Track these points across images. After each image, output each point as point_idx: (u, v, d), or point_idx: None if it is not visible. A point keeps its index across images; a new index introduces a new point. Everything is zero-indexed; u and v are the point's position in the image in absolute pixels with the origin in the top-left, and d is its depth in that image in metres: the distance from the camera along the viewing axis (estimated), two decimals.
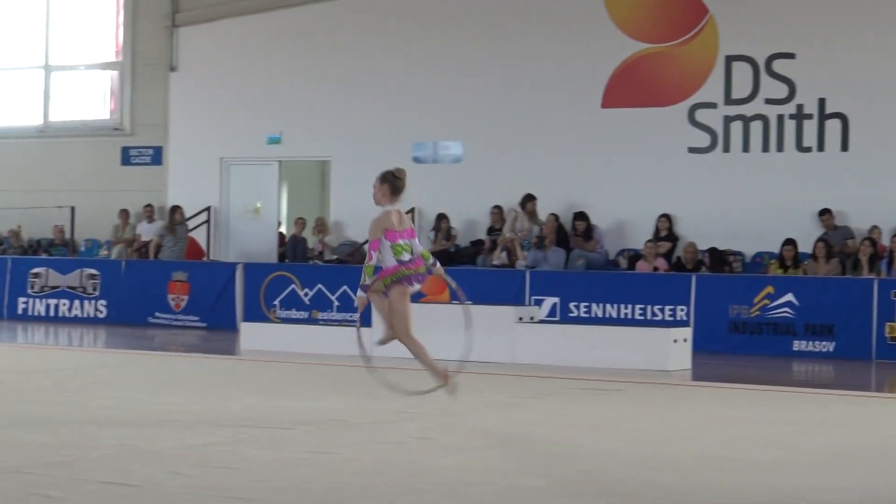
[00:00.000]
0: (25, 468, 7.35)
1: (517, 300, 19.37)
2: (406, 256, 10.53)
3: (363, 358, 10.81)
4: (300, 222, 24.59)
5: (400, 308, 10.59)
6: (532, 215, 21.97)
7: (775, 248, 20.50)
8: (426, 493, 7.00)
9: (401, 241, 10.50)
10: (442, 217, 22.90)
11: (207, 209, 25.34)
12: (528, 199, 22.16)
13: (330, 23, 24.70)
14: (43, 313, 23.38)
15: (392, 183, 10.53)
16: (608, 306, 19.49)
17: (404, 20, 24.24)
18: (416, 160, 23.79)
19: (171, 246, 23.86)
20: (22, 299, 23.65)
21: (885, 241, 20.10)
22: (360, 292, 10.56)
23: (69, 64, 27.35)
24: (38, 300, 23.47)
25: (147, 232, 25.20)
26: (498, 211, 22.62)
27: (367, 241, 21.71)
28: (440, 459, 8.12)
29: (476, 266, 21.92)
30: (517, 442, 9.09)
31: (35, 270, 23.67)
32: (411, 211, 23.50)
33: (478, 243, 22.70)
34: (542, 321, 17.77)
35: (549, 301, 19.60)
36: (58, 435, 8.78)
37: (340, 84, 24.51)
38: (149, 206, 25.46)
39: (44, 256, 24.98)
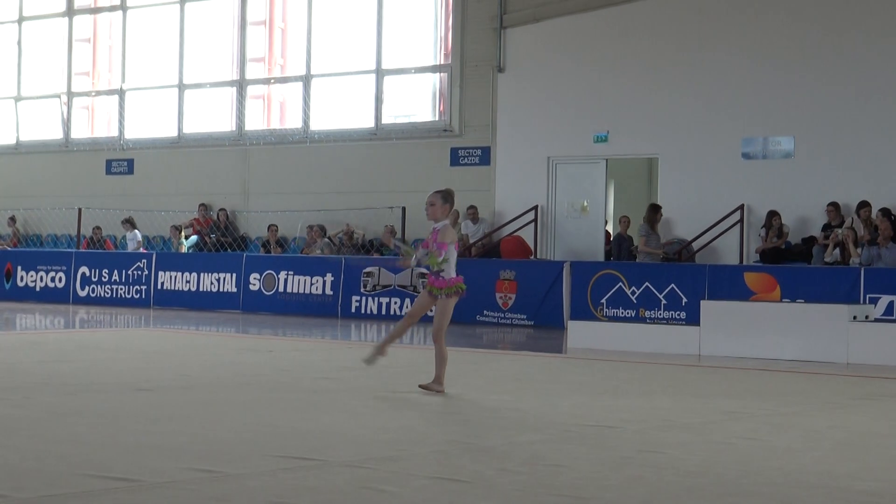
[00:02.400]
0: (357, 462, 7.52)
1: (851, 298, 18.82)
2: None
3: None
4: (625, 220, 24.52)
5: (448, 315, 11.20)
6: (867, 222, 21.21)
7: None
8: (754, 494, 6.86)
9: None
10: (773, 214, 22.43)
11: (535, 208, 25.52)
12: (863, 206, 21.45)
13: (655, 19, 24.55)
14: (375, 311, 23.98)
15: (452, 203, 11.30)
16: None
17: (731, 14, 23.88)
18: (745, 156, 23.42)
19: (655, 245, 23.60)
20: (355, 298, 24.32)
21: None
22: (413, 261, 11.54)
23: (400, 67, 27.99)
24: (370, 298, 24.08)
25: (473, 233, 25.59)
26: (833, 208, 21.98)
27: (692, 240, 21.45)
28: (769, 461, 7.95)
29: (809, 264, 21.43)
30: (850, 444, 8.83)
31: (367, 270, 24.31)
32: (741, 207, 23.16)
33: (809, 240, 22.16)
34: (877, 320, 17.23)
35: (885, 299, 18.97)
36: (387, 431, 8.96)
37: (667, 80, 24.32)
38: (472, 207, 25.83)
39: (376, 256, 25.61)
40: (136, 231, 29.42)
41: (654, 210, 23.72)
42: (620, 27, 24.91)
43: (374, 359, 11.58)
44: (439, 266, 11.09)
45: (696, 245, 23.24)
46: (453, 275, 11.17)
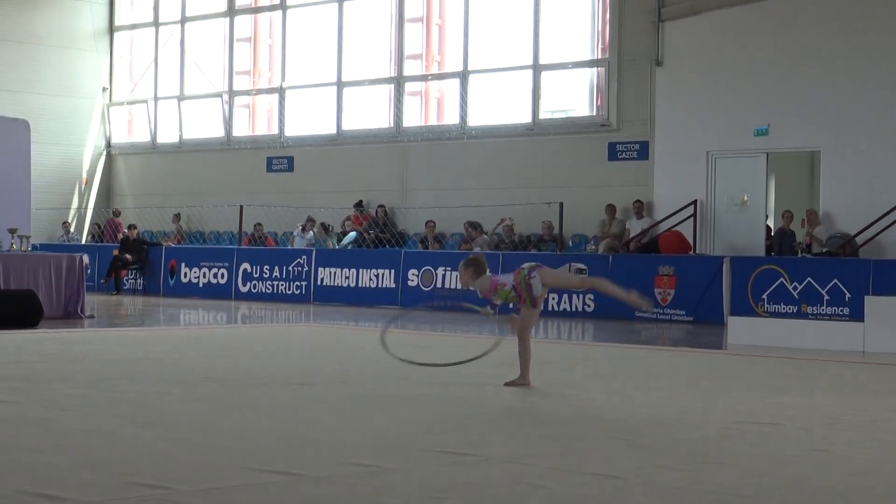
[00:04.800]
0: (516, 458, 7.49)
1: None
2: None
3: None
4: (787, 215, 24.15)
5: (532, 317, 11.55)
6: None
7: None
8: None
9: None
10: None
11: (693, 203, 25.26)
12: None
13: (818, 8, 24.14)
14: None
15: (476, 268, 11.33)
16: None
17: None
18: None
19: None
20: None
21: None
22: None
23: (558, 62, 27.91)
24: None
25: (636, 228, 25.43)
26: None
27: (855, 234, 21.01)
28: None
29: None
30: None
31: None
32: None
33: None
34: None
35: None
36: (548, 426, 8.92)
37: (829, 71, 23.90)
38: (638, 202, 25.66)
39: (533, 251, 25.56)
40: (311, 233, 29.74)
41: None
42: (781, 18, 24.53)
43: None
44: (509, 297, 11.28)
45: (859, 239, 22.80)
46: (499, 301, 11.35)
